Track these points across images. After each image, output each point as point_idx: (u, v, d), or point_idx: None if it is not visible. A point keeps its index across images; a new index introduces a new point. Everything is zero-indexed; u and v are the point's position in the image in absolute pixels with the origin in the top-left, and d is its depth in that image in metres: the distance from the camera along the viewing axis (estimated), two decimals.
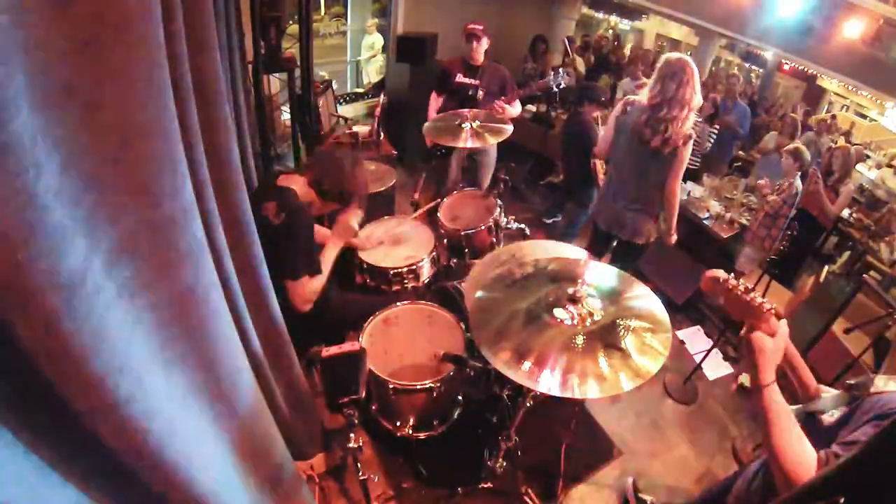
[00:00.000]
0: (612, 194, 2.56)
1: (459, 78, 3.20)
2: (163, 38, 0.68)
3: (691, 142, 2.26)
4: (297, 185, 1.74)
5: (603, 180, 2.97)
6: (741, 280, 1.12)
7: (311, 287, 1.69)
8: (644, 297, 1.46)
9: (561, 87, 3.25)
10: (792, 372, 1.19)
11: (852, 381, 1.10)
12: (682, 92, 2.15)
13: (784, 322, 1.08)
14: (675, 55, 2.24)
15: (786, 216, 3.17)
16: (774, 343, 1.05)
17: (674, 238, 2.58)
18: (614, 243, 2.77)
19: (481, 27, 3.08)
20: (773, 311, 1.06)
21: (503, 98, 3.08)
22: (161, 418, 0.75)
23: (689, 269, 3.52)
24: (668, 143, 2.21)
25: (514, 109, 3.16)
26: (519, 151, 4.81)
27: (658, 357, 1.26)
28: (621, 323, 1.36)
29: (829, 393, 1.16)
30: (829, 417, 1.10)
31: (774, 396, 1.02)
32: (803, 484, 0.89)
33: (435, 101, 3.34)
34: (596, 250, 2.81)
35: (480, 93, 3.18)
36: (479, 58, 3.16)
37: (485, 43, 3.11)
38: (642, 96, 2.32)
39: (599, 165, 3.43)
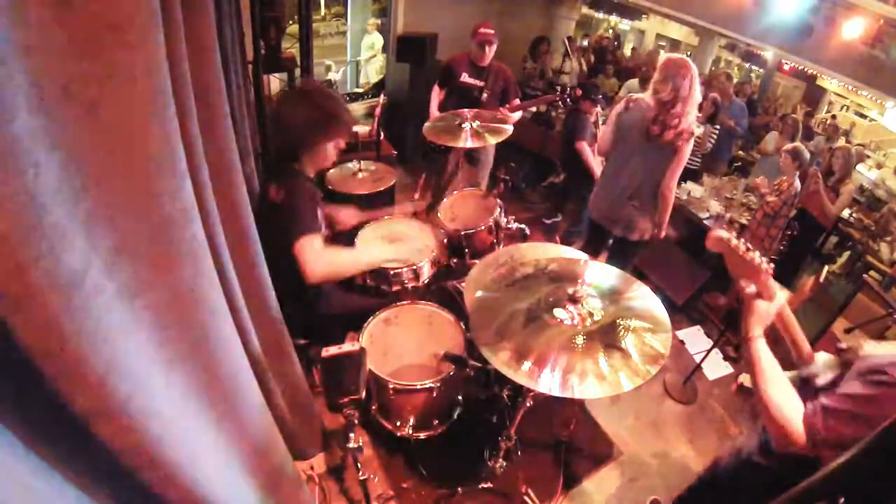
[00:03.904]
0: (609, 190, 2.57)
1: (465, 77, 3.21)
2: (163, 38, 0.68)
3: (692, 140, 2.29)
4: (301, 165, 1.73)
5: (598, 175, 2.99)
6: (742, 240, 1.21)
7: (311, 248, 1.56)
8: (644, 297, 1.46)
9: (567, 104, 3.26)
10: (787, 336, 1.28)
11: (843, 346, 1.18)
12: (693, 89, 2.23)
13: (784, 293, 1.20)
14: (675, 55, 2.32)
15: (785, 216, 3.17)
16: (767, 307, 1.18)
17: (664, 233, 2.60)
18: (610, 241, 2.78)
19: (493, 31, 3.09)
20: (769, 271, 1.18)
21: (507, 106, 3.11)
22: (161, 418, 0.75)
23: (689, 269, 3.52)
24: (682, 136, 2.26)
25: (514, 115, 3.19)
26: (519, 151, 4.81)
27: (658, 357, 1.26)
28: (621, 323, 1.36)
29: (822, 357, 1.25)
30: (822, 380, 1.16)
31: (761, 348, 1.13)
32: (804, 484, 0.89)
33: (437, 95, 3.36)
34: (593, 246, 2.83)
35: (485, 94, 3.18)
36: (488, 60, 3.17)
37: (495, 47, 3.12)
38: (646, 95, 2.34)
39: (598, 161, 3.43)
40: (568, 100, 3.24)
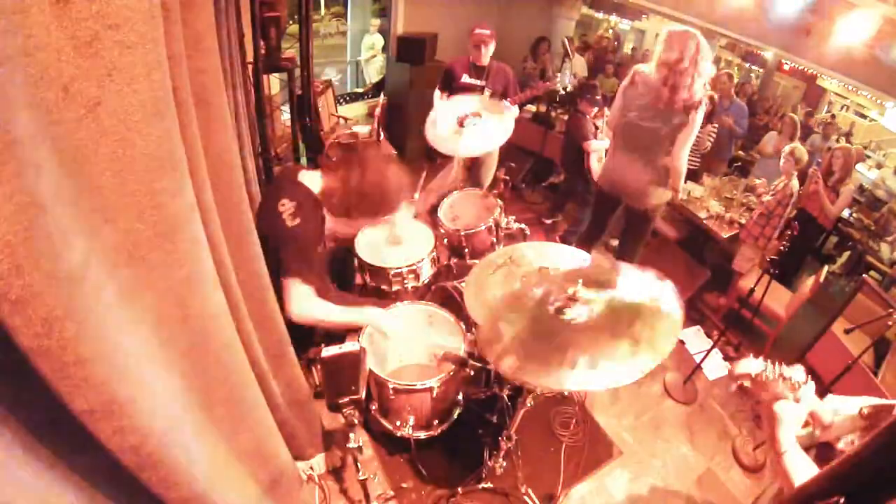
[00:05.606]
0: (619, 159, 2.59)
1: (465, 78, 3.21)
2: (163, 38, 0.68)
3: (703, 108, 2.29)
4: (316, 186, 1.63)
5: (597, 172, 2.98)
6: (767, 364, 1.12)
7: (295, 290, 1.55)
8: (647, 292, 1.46)
9: (567, 89, 3.26)
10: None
11: (866, 411, 1.09)
12: (700, 53, 2.21)
13: (811, 384, 1.08)
14: (680, 27, 2.30)
15: (780, 216, 3.17)
16: (795, 409, 1.07)
17: (679, 195, 2.60)
18: (616, 235, 2.77)
19: (489, 32, 3.09)
20: (797, 384, 1.07)
21: (509, 99, 3.10)
22: (161, 418, 0.75)
23: (689, 269, 3.53)
24: (692, 98, 2.25)
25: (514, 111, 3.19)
26: (519, 151, 4.81)
27: (665, 345, 1.26)
28: (625, 316, 1.36)
29: (840, 417, 1.15)
30: (844, 444, 1.10)
31: (796, 459, 1.01)
32: (803, 484, 0.89)
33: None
34: (598, 219, 2.82)
35: (487, 93, 3.19)
36: (486, 60, 3.18)
37: (492, 46, 3.12)
38: (651, 68, 2.35)
39: (594, 162, 3.43)
40: (568, 86, 3.25)
